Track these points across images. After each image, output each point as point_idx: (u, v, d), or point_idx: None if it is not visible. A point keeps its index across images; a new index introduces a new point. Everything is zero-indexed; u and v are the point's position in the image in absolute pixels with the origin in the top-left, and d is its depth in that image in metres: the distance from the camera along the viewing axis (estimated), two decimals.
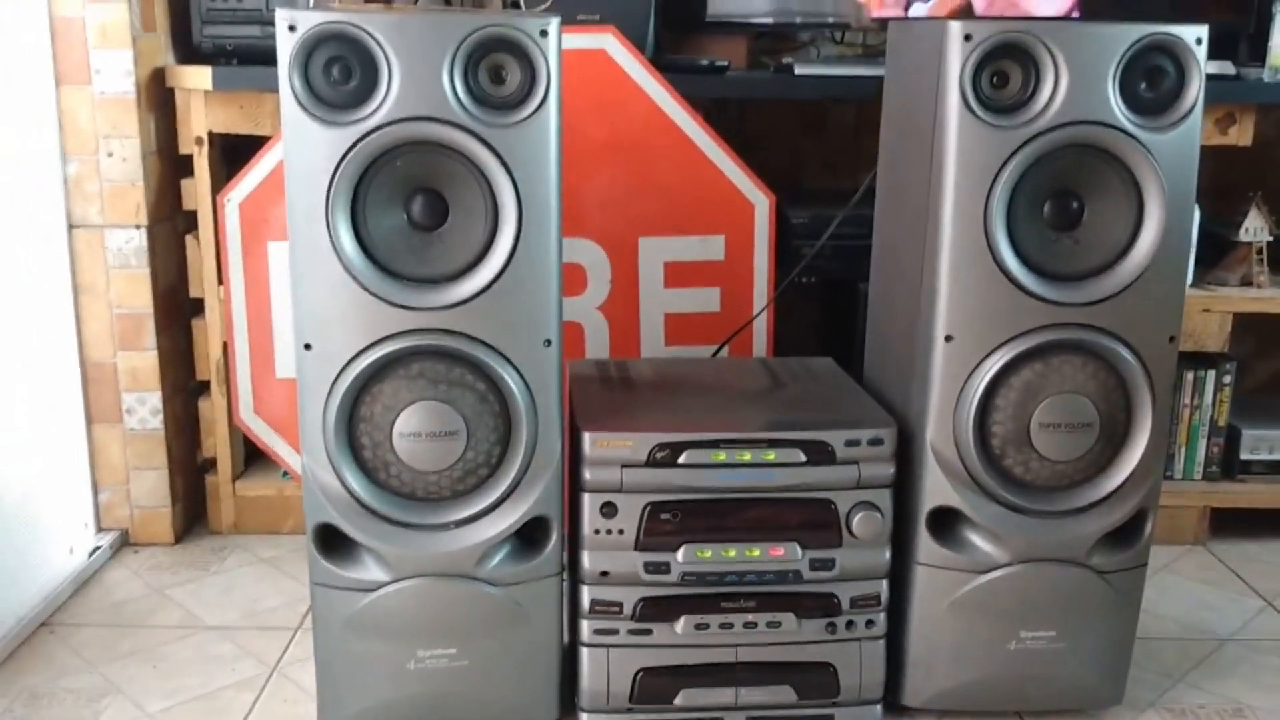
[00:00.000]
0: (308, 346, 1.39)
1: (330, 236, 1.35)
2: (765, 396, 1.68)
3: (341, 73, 1.34)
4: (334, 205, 1.35)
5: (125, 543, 2.15)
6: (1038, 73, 1.41)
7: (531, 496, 1.46)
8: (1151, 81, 1.42)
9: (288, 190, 1.36)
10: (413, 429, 1.40)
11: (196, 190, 2.08)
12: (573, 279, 2.03)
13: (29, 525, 1.89)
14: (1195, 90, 1.42)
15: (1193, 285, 2.17)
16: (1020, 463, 1.50)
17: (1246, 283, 2.18)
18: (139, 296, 2.07)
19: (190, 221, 2.12)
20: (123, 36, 1.98)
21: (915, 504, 1.54)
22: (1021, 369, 1.47)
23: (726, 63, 2.10)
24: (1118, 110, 1.41)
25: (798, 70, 2.08)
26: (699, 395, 1.66)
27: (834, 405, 1.63)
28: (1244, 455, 2.24)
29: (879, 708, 1.58)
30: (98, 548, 2.09)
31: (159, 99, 2.07)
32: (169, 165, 2.11)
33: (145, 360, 2.09)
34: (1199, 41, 1.41)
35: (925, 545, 1.54)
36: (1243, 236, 2.18)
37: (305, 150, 1.34)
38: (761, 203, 2.04)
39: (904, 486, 1.54)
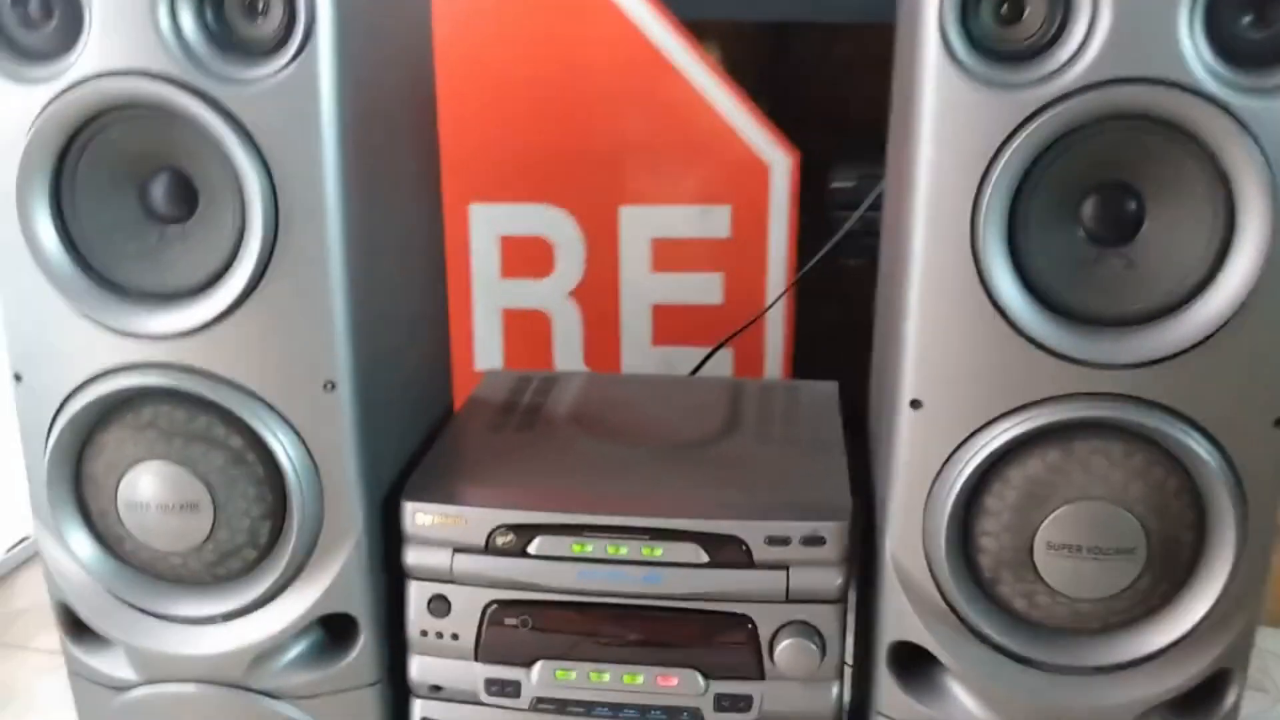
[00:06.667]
0: (18, 377, 1.05)
1: (25, 232, 0.99)
2: (694, 451, 1.22)
3: (40, 9, 0.97)
4: (27, 190, 0.98)
5: None
6: (1066, 1, 0.89)
7: (322, 586, 1.07)
8: (1261, 14, 0.87)
9: None
10: (140, 498, 1.03)
11: None
12: (538, 257, 1.62)
13: None
14: None
15: None
16: (1022, 594, 1.00)
17: None
18: None
19: None
20: None
21: (874, 632, 1.07)
22: (1026, 457, 0.96)
23: None
24: (1196, 61, 0.87)
25: None
26: (600, 444, 1.21)
27: (781, 474, 1.16)
28: None
29: None
30: None
31: None
32: None
33: None
34: None
35: (887, 690, 1.07)
36: None
37: None
38: (780, 162, 1.55)
39: (864, 605, 1.08)
